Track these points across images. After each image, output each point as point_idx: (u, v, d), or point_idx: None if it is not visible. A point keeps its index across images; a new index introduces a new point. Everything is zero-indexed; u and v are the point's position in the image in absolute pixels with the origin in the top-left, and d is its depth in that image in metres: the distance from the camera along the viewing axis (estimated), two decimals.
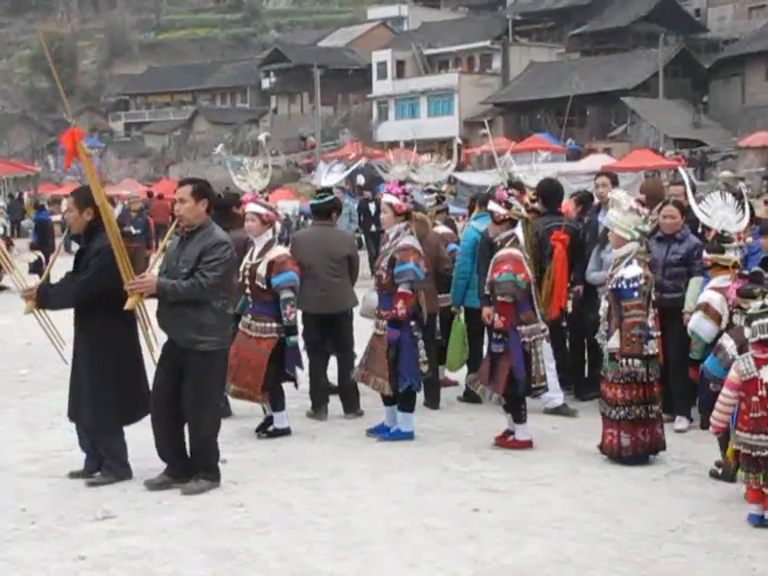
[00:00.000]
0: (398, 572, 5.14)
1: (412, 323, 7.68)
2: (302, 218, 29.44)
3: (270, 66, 71.82)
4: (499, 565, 5.20)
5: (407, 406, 7.85)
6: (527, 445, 7.55)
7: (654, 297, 7.31)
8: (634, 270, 6.96)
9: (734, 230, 6.98)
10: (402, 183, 7.94)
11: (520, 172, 8.25)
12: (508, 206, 7.48)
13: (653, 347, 7.06)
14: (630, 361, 6.90)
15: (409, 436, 7.81)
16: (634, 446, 7.04)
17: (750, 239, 7.48)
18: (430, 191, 9.95)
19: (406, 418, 7.85)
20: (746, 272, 6.76)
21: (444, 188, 10.33)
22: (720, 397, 6.03)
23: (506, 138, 40.07)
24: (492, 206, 7.61)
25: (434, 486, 6.58)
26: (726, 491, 6.43)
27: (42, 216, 22.81)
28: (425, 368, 7.81)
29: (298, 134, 62.09)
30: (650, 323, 7.09)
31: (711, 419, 6.17)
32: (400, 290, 7.55)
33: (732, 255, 6.94)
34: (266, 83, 72.63)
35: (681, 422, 7.96)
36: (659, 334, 7.27)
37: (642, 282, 6.94)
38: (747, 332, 5.90)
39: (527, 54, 59.40)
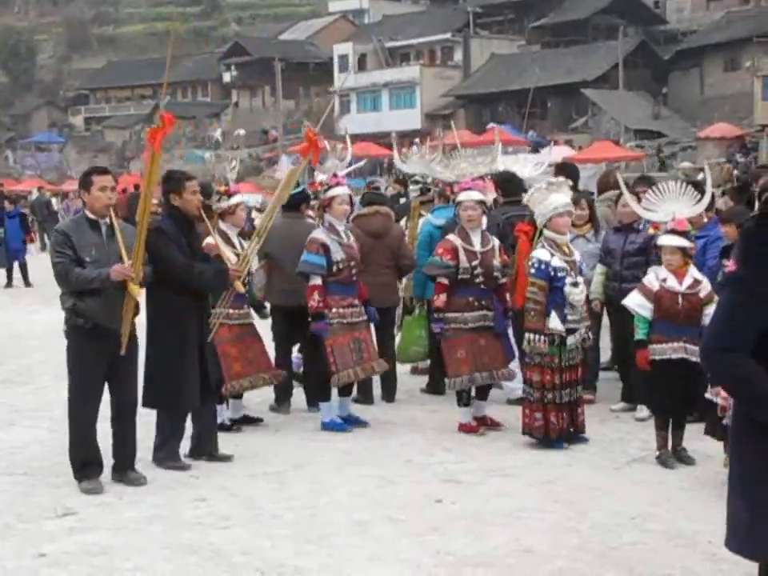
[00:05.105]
0: (362, 564, 5.13)
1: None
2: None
3: (231, 59, 71.40)
4: (463, 555, 5.21)
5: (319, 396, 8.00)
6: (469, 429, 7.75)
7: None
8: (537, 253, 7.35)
9: (687, 215, 6.94)
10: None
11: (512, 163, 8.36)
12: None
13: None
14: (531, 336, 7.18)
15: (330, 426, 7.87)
16: (555, 429, 7.21)
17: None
18: (416, 182, 10.09)
19: (324, 408, 7.98)
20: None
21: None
22: None
23: (468, 131, 40.19)
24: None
25: (398, 478, 6.58)
26: (686, 479, 6.50)
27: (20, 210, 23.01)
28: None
29: (260, 127, 61.79)
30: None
31: None
32: None
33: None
34: (227, 77, 72.18)
35: (642, 411, 8.00)
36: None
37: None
38: None
39: (488, 47, 59.49)
